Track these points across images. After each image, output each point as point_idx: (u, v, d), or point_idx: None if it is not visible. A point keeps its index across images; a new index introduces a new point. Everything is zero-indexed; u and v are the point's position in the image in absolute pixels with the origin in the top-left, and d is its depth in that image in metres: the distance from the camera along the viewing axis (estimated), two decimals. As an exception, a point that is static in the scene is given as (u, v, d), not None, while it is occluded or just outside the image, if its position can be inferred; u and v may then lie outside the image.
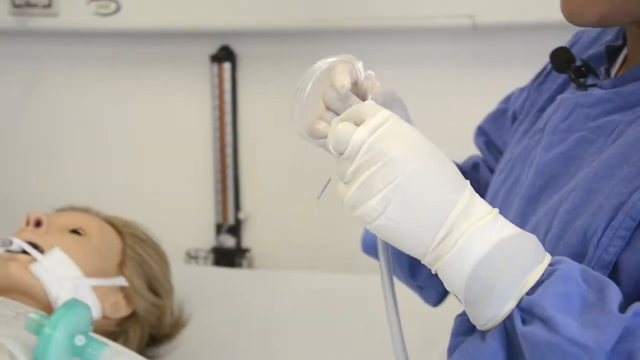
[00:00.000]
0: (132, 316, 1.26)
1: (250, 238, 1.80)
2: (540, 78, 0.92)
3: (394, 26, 1.58)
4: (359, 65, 0.73)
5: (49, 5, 1.71)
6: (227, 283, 1.56)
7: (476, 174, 1.02)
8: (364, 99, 0.72)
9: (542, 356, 0.60)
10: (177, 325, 1.35)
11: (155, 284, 1.30)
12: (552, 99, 0.86)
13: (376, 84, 0.73)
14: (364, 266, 1.68)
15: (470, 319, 0.66)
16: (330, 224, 1.72)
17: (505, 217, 0.67)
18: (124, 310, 1.24)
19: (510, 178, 0.85)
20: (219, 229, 1.79)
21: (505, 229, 0.65)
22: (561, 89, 0.87)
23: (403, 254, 0.69)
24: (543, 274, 0.63)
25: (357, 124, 0.66)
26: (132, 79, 1.80)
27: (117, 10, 1.68)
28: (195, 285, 1.47)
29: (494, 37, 1.55)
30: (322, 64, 0.73)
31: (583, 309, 0.61)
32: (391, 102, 0.74)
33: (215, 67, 1.71)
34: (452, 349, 0.69)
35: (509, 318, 0.62)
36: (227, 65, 1.71)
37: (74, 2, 1.70)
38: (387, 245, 0.74)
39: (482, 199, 0.67)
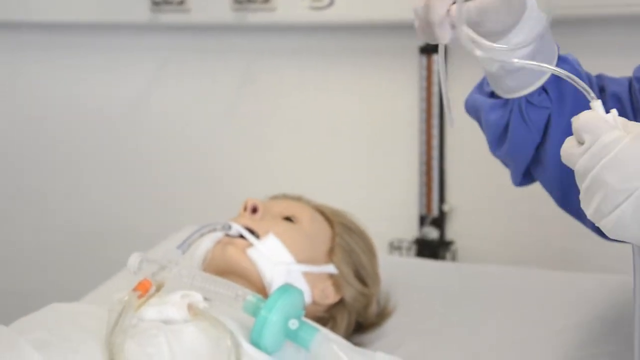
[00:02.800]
0: (340, 303, 1.28)
1: (454, 230, 1.79)
2: None
3: (616, 14, 1.52)
4: None
5: (267, 1, 1.78)
6: (431, 275, 1.55)
7: None
8: None
9: None
10: (383, 314, 1.36)
11: (363, 273, 1.31)
12: None
13: None
14: (571, 262, 1.65)
15: None
16: (537, 219, 1.68)
17: None
18: (332, 297, 1.26)
19: None
20: (422, 220, 1.80)
21: None
22: None
23: None
24: None
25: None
26: (342, 71, 1.84)
27: (331, 3, 1.72)
28: (398, 275, 1.47)
29: None
30: None
31: None
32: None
33: (425, 59, 1.71)
34: None
35: None
36: (436, 57, 1.69)
37: (290, -4, 1.77)
38: None
39: None
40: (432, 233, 1.79)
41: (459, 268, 1.62)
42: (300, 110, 1.92)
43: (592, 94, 0.75)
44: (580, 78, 0.88)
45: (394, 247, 1.81)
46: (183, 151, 2.08)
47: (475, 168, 1.74)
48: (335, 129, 1.88)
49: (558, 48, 1.05)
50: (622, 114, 0.82)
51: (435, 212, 1.78)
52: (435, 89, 1.72)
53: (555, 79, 1.03)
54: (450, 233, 1.80)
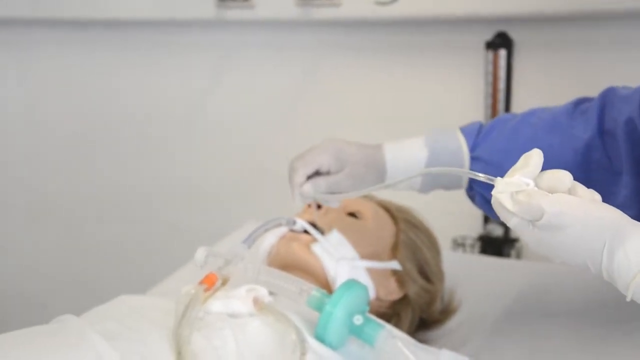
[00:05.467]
0: (404, 300, 1.27)
1: (519, 228, 1.77)
2: None
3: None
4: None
5: (331, -4, 1.79)
6: (495, 272, 1.54)
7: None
8: None
9: None
10: (447, 312, 1.35)
11: (427, 269, 1.30)
12: None
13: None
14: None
15: None
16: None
17: None
18: (396, 293, 1.26)
19: None
20: (486, 217, 1.78)
21: None
22: None
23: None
24: None
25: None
26: (406, 66, 1.84)
27: (396, -1, 1.72)
28: (461, 272, 1.46)
29: None
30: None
31: None
32: None
33: (491, 54, 1.69)
34: None
35: None
36: (502, 52, 1.68)
37: (356, -8, 1.76)
38: None
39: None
40: (497, 230, 1.77)
41: (523, 266, 1.61)
42: (364, 106, 1.91)
43: (493, 180, 0.80)
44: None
45: (458, 244, 1.80)
46: (245, 147, 2.10)
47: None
48: (400, 125, 1.86)
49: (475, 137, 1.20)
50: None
51: (500, 209, 1.76)
52: (501, 85, 1.70)
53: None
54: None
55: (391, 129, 1.86)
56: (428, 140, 1.21)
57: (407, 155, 1.21)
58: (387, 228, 1.30)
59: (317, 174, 1.18)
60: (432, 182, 1.23)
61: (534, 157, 0.79)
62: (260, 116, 2.06)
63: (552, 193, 0.77)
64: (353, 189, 1.17)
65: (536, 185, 0.78)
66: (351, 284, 1.00)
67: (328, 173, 1.18)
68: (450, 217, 1.78)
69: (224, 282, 1.02)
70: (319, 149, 1.19)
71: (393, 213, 1.33)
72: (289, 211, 1.30)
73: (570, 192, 0.78)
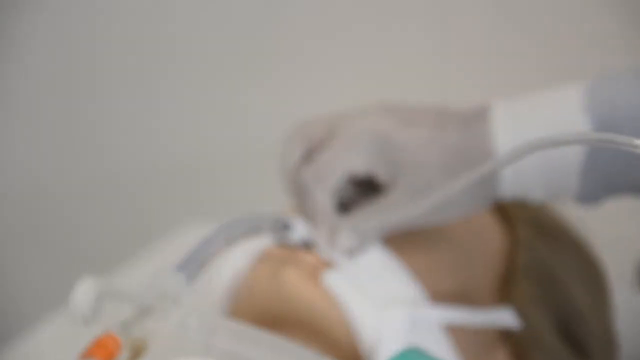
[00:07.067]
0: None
1: None
2: None
3: None
4: None
5: None
6: None
7: None
8: None
9: None
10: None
11: (574, 329, 1.26)
12: None
13: None
14: None
15: None
16: None
17: None
18: (510, 383, 1.19)
19: None
20: None
21: None
22: None
23: None
24: None
25: None
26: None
27: None
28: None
29: None
30: None
31: None
32: None
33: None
34: None
35: None
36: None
37: None
38: None
39: None
40: None
41: None
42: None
43: None
44: None
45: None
46: (190, 103, 2.32)
47: None
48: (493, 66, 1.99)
49: None
50: None
51: None
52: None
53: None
54: None
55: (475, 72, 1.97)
56: (591, 93, 1.13)
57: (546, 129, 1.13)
58: (489, 238, 1.27)
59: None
60: (601, 179, 1.16)
61: None
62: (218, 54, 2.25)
63: None
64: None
65: None
66: (409, 358, 0.93)
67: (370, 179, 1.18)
68: (633, 224, 1.73)
69: (136, 354, 1.00)
70: (348, 140, 1.18)
71: (505, 208, 1.30)
72: (273, 203, 1.33)
73: None
